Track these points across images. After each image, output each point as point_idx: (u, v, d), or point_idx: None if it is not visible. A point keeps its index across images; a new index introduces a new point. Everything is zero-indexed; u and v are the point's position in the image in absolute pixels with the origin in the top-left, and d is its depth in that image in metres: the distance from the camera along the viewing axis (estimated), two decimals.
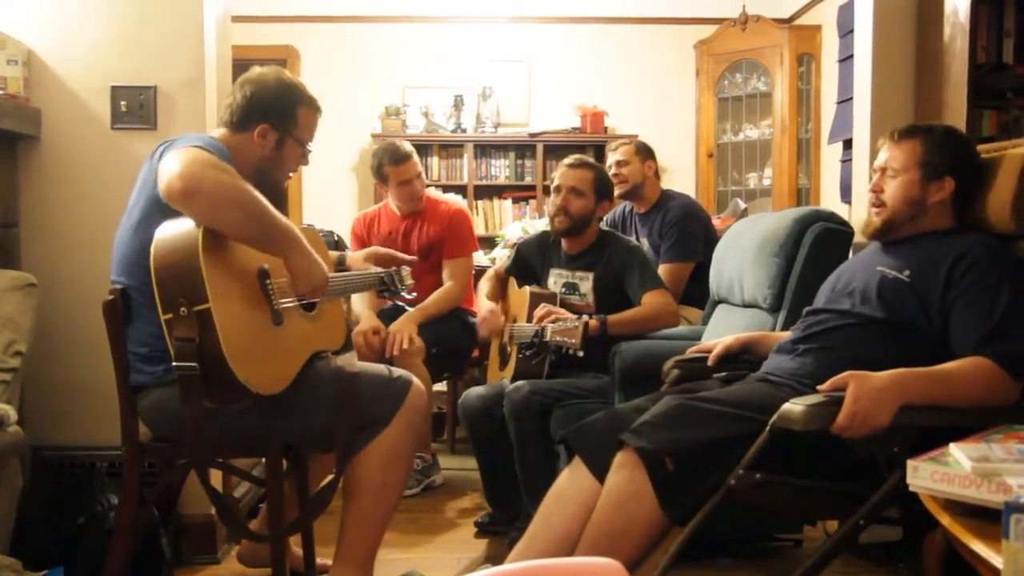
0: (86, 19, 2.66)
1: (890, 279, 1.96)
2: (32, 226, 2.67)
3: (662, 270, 3.38)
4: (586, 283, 3.03)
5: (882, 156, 2.07)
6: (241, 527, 2.21)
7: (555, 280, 3.10)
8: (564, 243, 3.11)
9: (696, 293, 3.44)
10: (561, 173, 3.06)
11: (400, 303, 3.01)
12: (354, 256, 2.62)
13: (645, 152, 3.81)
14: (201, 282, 1.80)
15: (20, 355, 2.33)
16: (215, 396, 1.89)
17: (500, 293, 3.29)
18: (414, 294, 2.58)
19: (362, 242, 3.66)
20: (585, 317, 2.61)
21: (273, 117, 2.14)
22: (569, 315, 2.71)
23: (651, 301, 2.90)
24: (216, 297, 1.80)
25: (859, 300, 1.99)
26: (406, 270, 2.55)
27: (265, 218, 1.91)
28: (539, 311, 2.78)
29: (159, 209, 1.91)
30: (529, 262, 3.22)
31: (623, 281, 2.97)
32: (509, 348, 3.02)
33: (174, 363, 1.81)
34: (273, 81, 2.17)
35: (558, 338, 2.59)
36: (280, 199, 2.14)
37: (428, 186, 4.49)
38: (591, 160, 3.13)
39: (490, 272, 3.38)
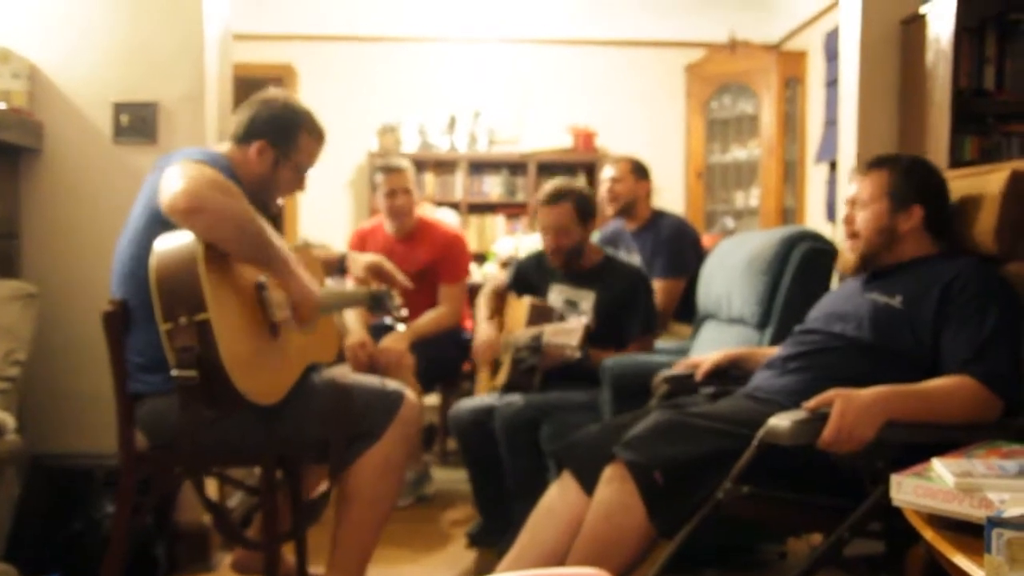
0: (89, 35, 2.70)
1: (882, 305, 1.98)
2: (33, 237, 2.70)
3: (656, 286, 3.43)
4: (587, 301, 3.04)
5: (852, 189, 2.11)
6: (235, 534, 2.23)
7: (556, 296, 3.11)
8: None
9: (685, 309, 3.50)
10: (543, 214, 3.02)
11: (388, 322, 3.01)
12: (356, 260, 2.60)
13: (640, 172, 3.85)
14: (200, 292, 1.82)
15: (19, 364, 2.36)
16: (213, 405, 1.92)
17: (498, 311, 3.28)
18: (404, 311, 2.55)
19: None
20: (584, 319, 2.63)
21: (273, 135, 2.17)
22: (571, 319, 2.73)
23: (639, 348, 3.00)
24: (215, 307, 1.83)
25: (851, 326, 2.01)
26: (397, 292, 2.53)
27: (263, 241, 1.95)
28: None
29: (159, 223, 1.94)
30: (529, 280, 3.21)
31: (625, 309, 3.02)
32: (502, 356, 3.05)
33: (173, 372, 1.83)
34: (281, 102, 2.22)
35: (556, 339, 2.61)
36: (273, 220, 2.16)
37: (422, 202, 4.51)
38: (563, 188, 3.04)
39: (487, 289, 3.35)
